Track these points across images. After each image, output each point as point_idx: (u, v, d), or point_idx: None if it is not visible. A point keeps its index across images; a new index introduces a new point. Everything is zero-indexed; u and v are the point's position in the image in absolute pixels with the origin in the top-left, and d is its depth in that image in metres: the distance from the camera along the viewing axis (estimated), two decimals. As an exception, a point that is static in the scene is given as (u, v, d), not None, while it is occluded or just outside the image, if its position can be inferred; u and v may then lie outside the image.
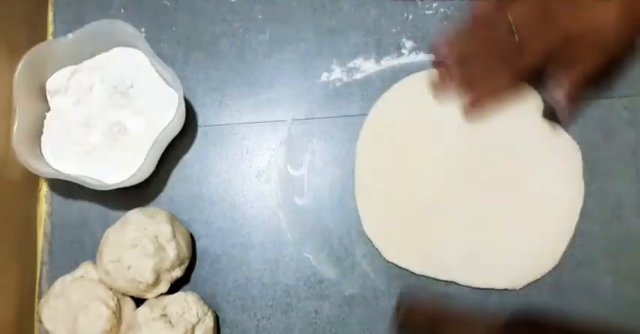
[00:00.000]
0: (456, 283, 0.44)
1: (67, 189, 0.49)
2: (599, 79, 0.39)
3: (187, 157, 0.49)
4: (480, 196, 0.45)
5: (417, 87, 0.46)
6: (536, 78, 0.40)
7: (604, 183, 0.45)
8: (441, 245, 0.44)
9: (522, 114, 0.45)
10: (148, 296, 0.43)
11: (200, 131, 0.49)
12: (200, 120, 0.49)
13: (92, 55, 0.49)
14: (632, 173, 0.45)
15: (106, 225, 0.46)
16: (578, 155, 0.45)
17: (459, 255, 0.44)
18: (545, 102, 0.45)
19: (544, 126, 0.45)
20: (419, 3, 0.49)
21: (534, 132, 0.45)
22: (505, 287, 0.44)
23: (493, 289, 0.44)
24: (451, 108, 0.45)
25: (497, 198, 0.45)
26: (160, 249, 0.42)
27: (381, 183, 0.46)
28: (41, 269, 0.48)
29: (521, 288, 0.44)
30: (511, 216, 0.44)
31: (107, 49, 0.48)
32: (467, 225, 0.44)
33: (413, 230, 0.45)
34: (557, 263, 0.44)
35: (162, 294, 0.44)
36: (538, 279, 0.44)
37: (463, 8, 0.48)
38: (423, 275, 0.45)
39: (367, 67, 0.48)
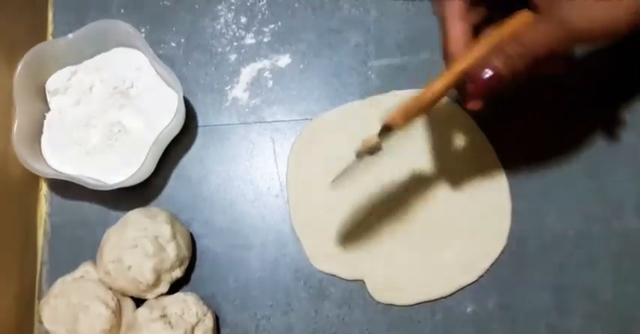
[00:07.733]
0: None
1: (67, 189, 0.49)
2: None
3: (187, 157, 0.49)
4: (414, 212, 0.45)
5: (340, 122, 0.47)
6: None
7: (604, 183, 0.45)
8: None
9: (452, 136, 0.46)
10: (148, 296, 0.43)
11: (200, 131, 0.49)
12: (200, 120, 0.49)
13: (92, 55, 0.49)
14: (632, 173, 0.45)
15: (106, 225, 0.45)
16: (503, 177, 0.46)
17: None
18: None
19: (473, 147, 0.46)
20: (419, 2, 0.49)
21: (463, 156, 0.46)
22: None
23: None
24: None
25: (429, 215, 0.45)
26: (160, 249, 0.42)
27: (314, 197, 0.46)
28: (41, 269, 0.48)
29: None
30: (443, 230, 0.45)
31: (107, 49, 0.48)
32: (405, 244, 0.45)
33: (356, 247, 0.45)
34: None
35: (162, 295, 0.44)
36: (538, 279, 0.44)
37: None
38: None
39: (367, 67, 0.48)
